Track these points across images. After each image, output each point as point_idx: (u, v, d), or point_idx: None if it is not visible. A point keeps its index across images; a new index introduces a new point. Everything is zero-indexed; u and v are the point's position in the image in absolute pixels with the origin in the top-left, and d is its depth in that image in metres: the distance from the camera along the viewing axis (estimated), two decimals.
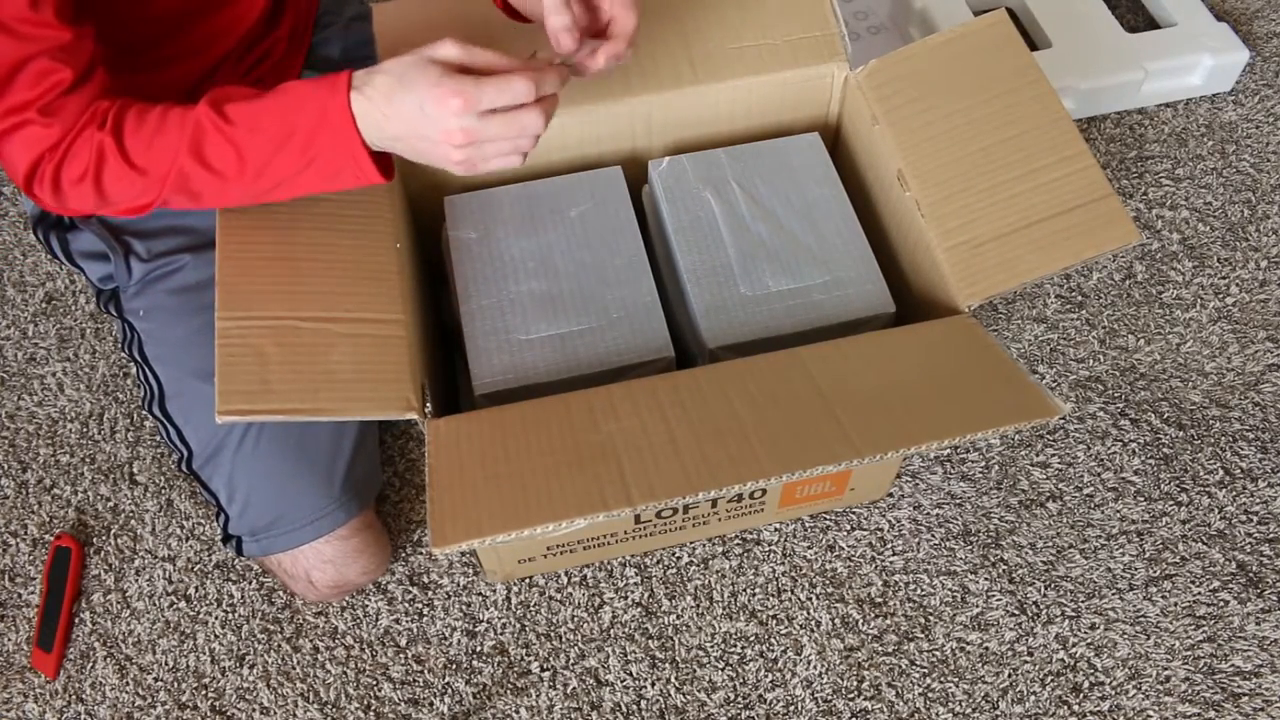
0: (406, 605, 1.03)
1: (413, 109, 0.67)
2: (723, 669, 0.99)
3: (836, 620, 1.02)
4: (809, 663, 0.99)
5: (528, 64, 0.69)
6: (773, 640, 1.01)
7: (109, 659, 1.01)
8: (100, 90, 0.74)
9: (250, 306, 0.79)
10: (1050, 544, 1.05)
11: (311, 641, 1.01)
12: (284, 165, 0.72)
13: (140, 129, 0.72)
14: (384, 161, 0.74)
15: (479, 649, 1.01)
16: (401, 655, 1.01)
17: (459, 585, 1.04)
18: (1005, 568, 1.04)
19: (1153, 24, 1.41)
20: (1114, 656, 0.99)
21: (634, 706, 0.97)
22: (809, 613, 1.02)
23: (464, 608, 1.03)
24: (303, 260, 0.82)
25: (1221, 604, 1.02)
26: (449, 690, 0.99)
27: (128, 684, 1.00)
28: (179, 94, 0.91)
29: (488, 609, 1.03)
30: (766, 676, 0.99)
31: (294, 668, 1.00)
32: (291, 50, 0.99)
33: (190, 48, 0.89)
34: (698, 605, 1.02)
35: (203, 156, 0.72)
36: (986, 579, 1.03)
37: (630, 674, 0.99)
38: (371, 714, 0.98)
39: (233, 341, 0.78)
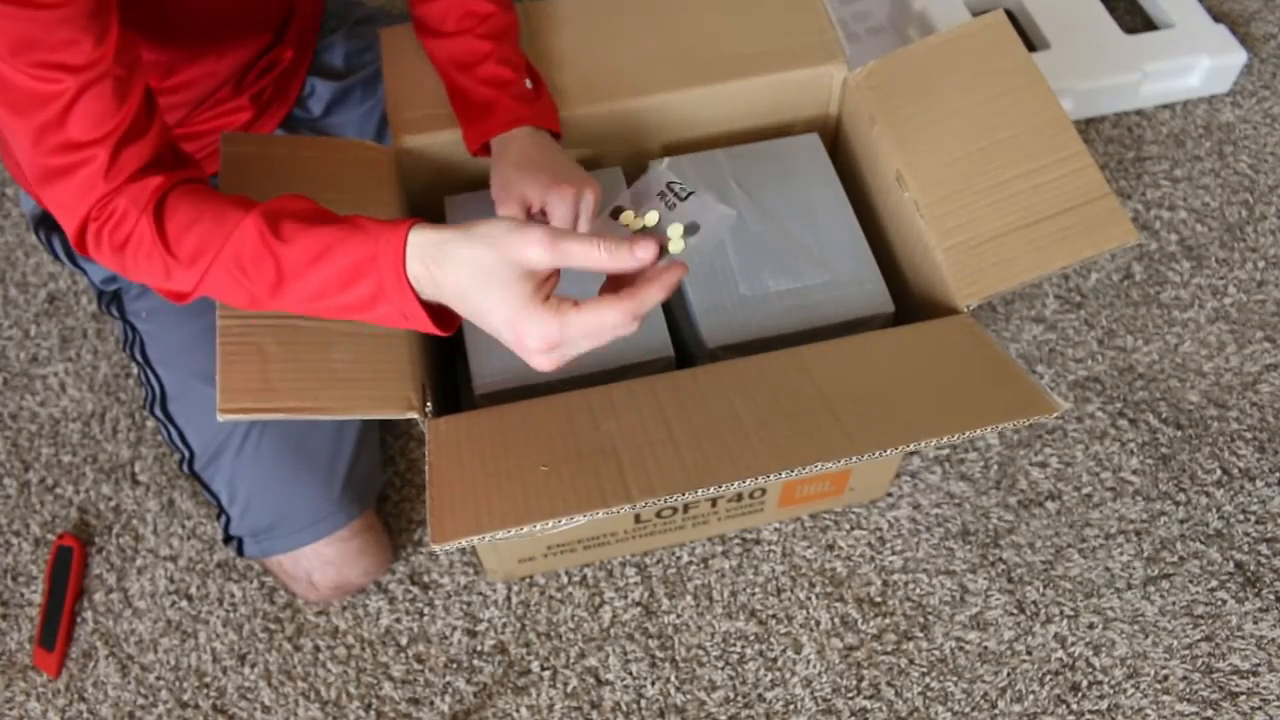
0: (407, 604, 1.03)
1: (493, 321, 0.63)
2: (722, 668, 0.99)
3: (836, 619, 1.02)
4: (808, 662, 1.00)
5: (623, 245, 0.60)
6: (772, 639, 1.01)
7: (111, 658, 1.01)
8: (158, 144, 0.72)
9: None
10: (1049, 543, 1.06)
11: (313, 640, 1.02)
12: (324, 300, 0.68)
13: (187, 220, 0.70)
14: (443, 315, 0.69)
15: (479, 648, 1.01)
16: (402, 654, 1.01)
17: (460, 584, 1.04)
18: (1004, 567, 1.04)
19: (1151, 25, 1.42)
20: (1112, 655, 1.00)
21: (634, 705, 0.98)
22: (808, 612, 1.02)
23: (464, 607, 1.03)
24: None
25: (1219, 603, 1.02)
26: (450, 689, 0.99)
27: (129, 683, 1.00)
28: (188, 108, 0.92)
29: (488, 608, 1.03)
30: (766, 676, 0.99)
31: (295, 667, 1.00)
32: (297, 57, 1.00)
33: (205, 65, 0.90)
34: (698, 605, 1.03)
35: (242, 264, 0.68)
36: (985, 578, 1.04)
37: (630, 673, 0.99)
38: (372, 713, 0.98)
39: (234, 339, 0.78)
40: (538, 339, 0.62)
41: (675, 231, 0.65)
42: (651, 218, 0.67)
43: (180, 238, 0.70)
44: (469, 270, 0.62)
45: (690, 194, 0.66)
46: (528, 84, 0.90)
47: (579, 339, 0.62)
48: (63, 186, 0.70)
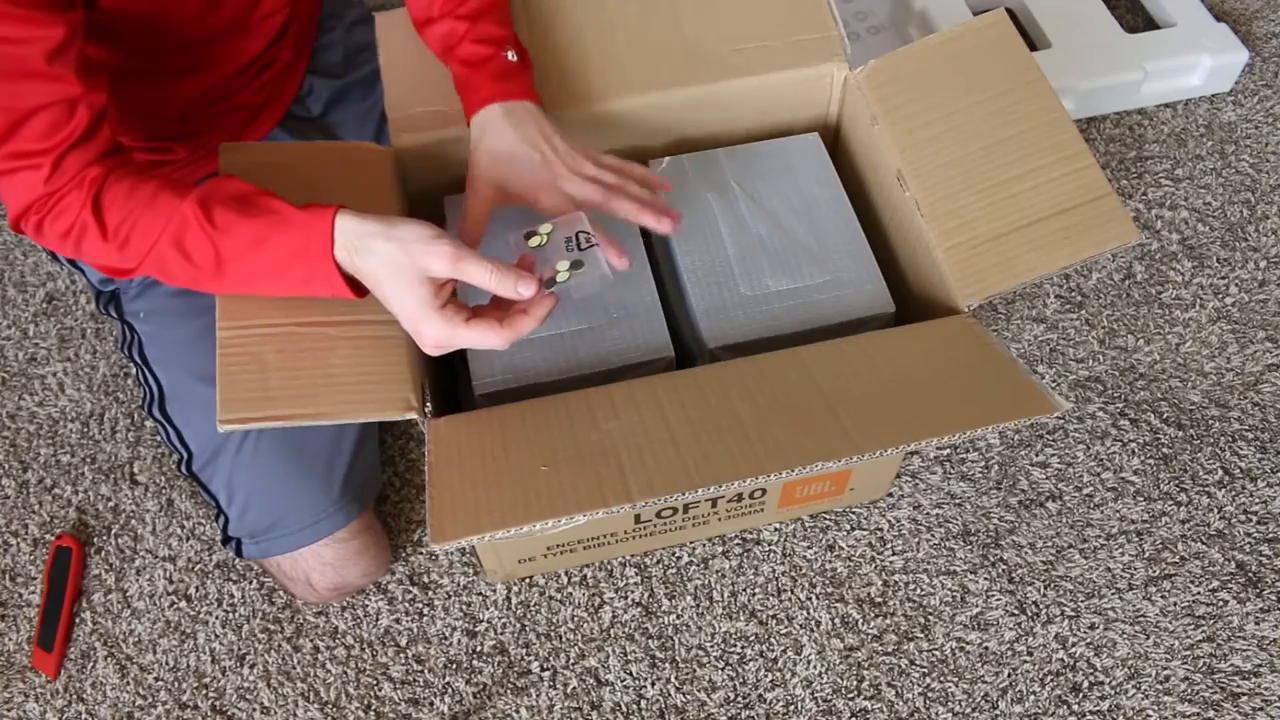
0: (407, 605, 1.03)
1: (397, 310, 0.72)
2: (723, 669, 0.99)
3: (836, 620, 1.02)
4: (809, 662, 0.99)
5: (518, 274, 0.71)
6: (773, 640, 1.01)
7: (110, 659, 1.01)
8: (103, 148, 0.75)
9: (250, 315, 0.79)
10: (1050, 544, 1.05)
11: (312, 641, 1.01)
12: (262, 283, 0.76)
13: (126, 208, 0.74)
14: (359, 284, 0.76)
15: (479, 649, 1.01)
16: (402, 655, 1.01)
17: (459, 585, 1.04)
18: (1005, 567, 1.04)
19: (1152, 24, 1.42)
20: (1113, 656, 0.99)
21: (634, 706, 0.98)
22: (809, 612, 1.02)
23: (464, 607, 1.03)
24: None
25: (1221, 604, 1.02)
26: (449, 690, 0.99)
27: (128, 683, 1.00)
28: (187, 104, 0.92)
29: (488, 609, 1.03)
30: (766, 676, 0.99)
31: (294, 667, 1.00)
32: (296, 57, 1.00)
33: (206, 65, 0.90)
34: (698, 605, 1.03)
35: (183, 248, 0.74)
36: (986, 579, 1.04)
37: (630, 674, 0.99)
38: (372, 714, 0.98)
39: (233, 350, 0.78)
40: (430, 338, 0.72)
41: (563, 265, 0.76)
42: (561, 267, 0.77)
43: (120, 227, 0.75)
44: (382, 265, 0.70)
45: (592, 246, 0.78)
46: (510, 56, 0.86)
47: (463, 345, 0.73)
48: (7, 183, 0.75)
